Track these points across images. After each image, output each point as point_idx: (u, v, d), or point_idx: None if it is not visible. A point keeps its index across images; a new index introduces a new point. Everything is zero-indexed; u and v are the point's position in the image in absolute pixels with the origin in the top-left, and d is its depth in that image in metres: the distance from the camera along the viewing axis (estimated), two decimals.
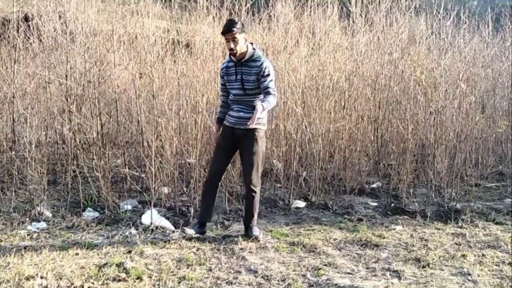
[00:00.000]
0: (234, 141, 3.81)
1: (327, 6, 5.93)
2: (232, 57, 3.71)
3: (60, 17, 5.18)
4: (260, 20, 5.44)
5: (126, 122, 5.45)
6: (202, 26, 4.98)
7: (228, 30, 3.57)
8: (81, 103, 5.05)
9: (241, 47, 3.64)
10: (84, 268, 3.25)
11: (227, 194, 4.64)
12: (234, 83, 3.73)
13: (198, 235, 3.84)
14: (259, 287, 3.08)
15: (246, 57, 3.68)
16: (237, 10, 5.17)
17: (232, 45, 3.60)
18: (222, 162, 3.90)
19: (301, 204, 4.80)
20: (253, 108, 3.61)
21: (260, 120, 3.71)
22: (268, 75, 3.64)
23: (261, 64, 3.64)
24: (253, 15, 5.39)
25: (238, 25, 3.59)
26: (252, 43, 3.76)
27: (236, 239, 3.82)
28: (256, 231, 3.88)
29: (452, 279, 3.26)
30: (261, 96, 3.69)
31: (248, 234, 3.87)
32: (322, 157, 5.04)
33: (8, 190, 4.64)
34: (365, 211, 4.69)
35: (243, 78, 3.68)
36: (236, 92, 3.75)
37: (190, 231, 3.80)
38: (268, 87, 3.61)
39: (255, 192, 3.82)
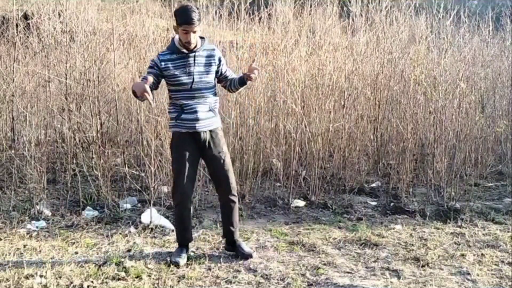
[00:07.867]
0: (197, 147, 3.38)
1: (327, 5, 5.91)
2: (180, 48, 3.30)
3: (59, 15, 5.18)
4: (260, 19, 5.42)
5: (125, 121, 5.45)
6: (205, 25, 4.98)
7: (191, 22, 3.17)
8: (81, 102, 5.06)
9: (196, 40, 3.29)
10: (83, 267, 3.26)
11: None
12: (183, 76, 3.29)
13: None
14: (258, 286, 3.08)
15: (198, 46, 3.32)
16: (237, 10, 5.16)
17: (191, 38, 3.22)
18: (191, 177, 3.38)
19: (301, 203, 4.80)
20: (207, 103, 3.35)
21: (218, 118, 3.47)
22: (224, 62, 3.49)
23: (216, 51, 3.39)
24: (253, 13, 5.38)
25: (199, 17, 3.22)
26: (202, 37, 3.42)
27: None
28: (248, 248, 3.55)
29: (451, 278, 3.27)
30: (213, 89, 3.41)
31: (238, 251, 3.50)
32: (321, 156, 5.04)
33: (7, 188, 4.64)
34: (365, 211, 4.69)
35: (196, 70, 3.31)
36: (186, 87, 3.31)
37: (181, 261, 3.35)
38: (232, 73, 3.51)
39: (235, 196, 3.47)
